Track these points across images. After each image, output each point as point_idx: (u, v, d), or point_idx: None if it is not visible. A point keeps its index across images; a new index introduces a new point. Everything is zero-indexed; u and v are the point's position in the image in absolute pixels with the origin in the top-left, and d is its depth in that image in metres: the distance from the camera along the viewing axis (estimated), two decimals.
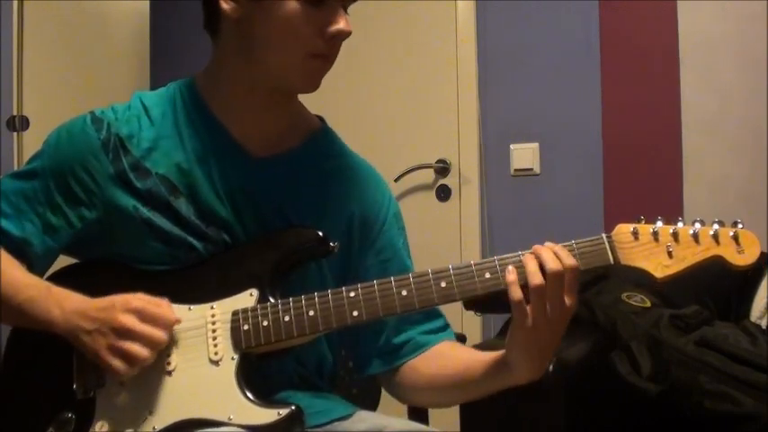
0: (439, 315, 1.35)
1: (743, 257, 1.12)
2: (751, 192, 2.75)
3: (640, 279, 1.38)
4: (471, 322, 2.93)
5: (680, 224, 1.14)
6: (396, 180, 3.13)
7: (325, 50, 1.22)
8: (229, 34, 1.25)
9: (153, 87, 1.60)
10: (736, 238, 1.12)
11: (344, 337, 1.35)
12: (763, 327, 2.06)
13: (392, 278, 1.17)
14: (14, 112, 2.64)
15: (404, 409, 1.60)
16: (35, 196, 1.25)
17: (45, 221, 1.25)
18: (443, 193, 3.21)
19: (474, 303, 2.24)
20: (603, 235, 1.15)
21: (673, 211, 1.22)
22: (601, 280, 2.19)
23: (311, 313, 1.17)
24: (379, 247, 1.35)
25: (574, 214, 2.98)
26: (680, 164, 2.87)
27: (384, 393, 1.46)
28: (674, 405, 1.83)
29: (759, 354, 1.84)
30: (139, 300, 1.16)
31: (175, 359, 1.18)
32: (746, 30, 2.79)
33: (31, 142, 2.59)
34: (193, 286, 1.22)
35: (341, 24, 1.21)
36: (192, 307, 1.20)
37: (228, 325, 1.19)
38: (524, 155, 3.10)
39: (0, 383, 1.26)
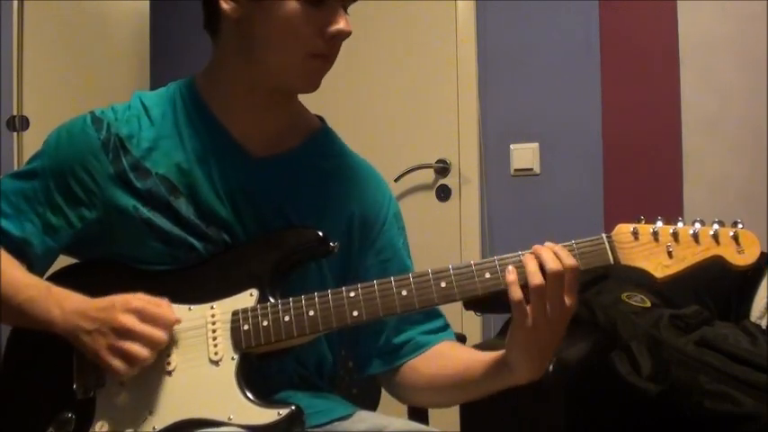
0: (439, 315, 1.35)
1: (743, 257, 1.12)
2: (751, 192, 2.75)
3: (640, 279, 1.37)
4: (471, 322, 2.93)
5: (680, 224, 1.14)
6: (396, 180, 3.13)
7: (325, 50, 1.22)
8: (229, 34, 1.25)
9: (153, 87, 1.60)
10: (736, 238, 1.12)
11: (344, 337, 1.35)
12: (763, 327, 2.06)
13: (392, 278, 1.17)
14: (14, 112, 2.64)
15: (404, 409, 1.60)
16: (35, 196, 1.25)
17: (45, 221, 1.25)
18: (443, 193, 3.21)
19: (474, 303, 2.24)
20: (603, 235, 1.15)
21: (673, 211, 1.21)
22: (601, 280, 2.19)
23: (311, 313, 1.17)
24: (379, 247, 1.35)
25: (574, 214, 2.98)
26: (680, 164, 2.87)
27: (384, 393, 1.46)
28: (674, 405, 1.83)
29: (759, 354, 1.83)
30: (139, 300, 1.16)
31: (175, 359, 1.18)
32: (746, 30, 2.79)
33: (31, 142, 2.59)
34: (193, 286, 1.22)
35: (341, 24, 1.21)
36: (191, 307, 1.20)
37: (228, 325, 1.19)
38: (524, 155, 3.10)
39: (0, 383, 1.26)
